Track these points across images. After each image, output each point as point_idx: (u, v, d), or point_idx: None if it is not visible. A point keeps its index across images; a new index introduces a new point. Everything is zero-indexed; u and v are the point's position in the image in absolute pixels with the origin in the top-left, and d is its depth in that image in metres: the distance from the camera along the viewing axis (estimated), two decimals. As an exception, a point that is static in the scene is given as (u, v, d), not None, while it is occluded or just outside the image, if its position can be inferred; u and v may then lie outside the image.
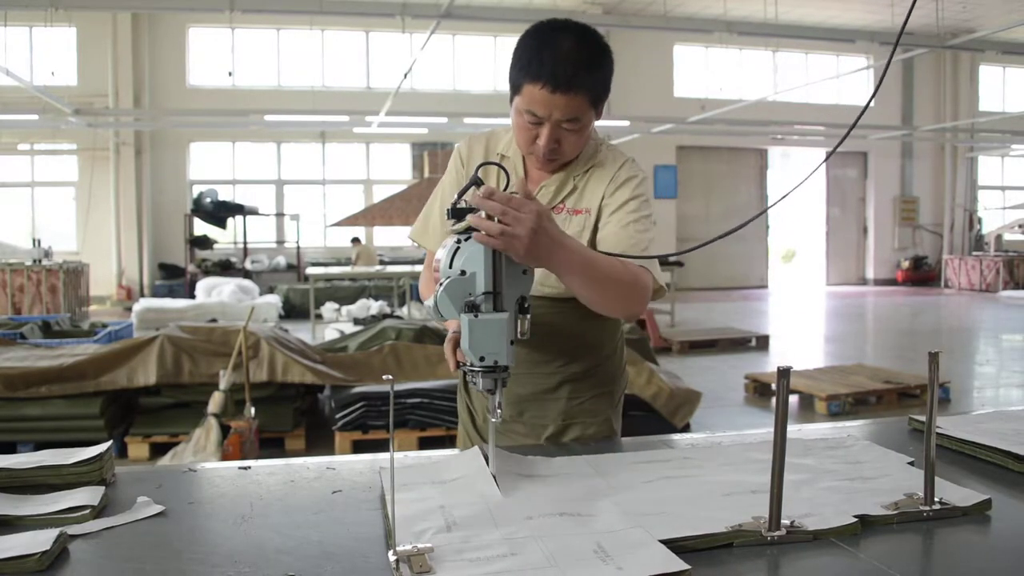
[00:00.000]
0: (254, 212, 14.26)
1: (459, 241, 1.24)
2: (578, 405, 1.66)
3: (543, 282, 1.54)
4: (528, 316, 1.24)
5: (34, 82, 10.97)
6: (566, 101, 1.43)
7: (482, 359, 1.21)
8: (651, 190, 1.69)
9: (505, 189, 1.33)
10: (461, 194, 1.26)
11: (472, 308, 1.21)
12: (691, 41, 15.66)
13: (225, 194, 14.29)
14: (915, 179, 17.76)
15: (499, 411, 1.24)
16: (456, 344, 1.41)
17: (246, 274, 13.74)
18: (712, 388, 6.24)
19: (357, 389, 4.72)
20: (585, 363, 1.65)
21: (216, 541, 1.08)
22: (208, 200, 13.63)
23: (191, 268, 13.61)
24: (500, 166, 1.40)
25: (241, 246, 14.22)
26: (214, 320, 8.71)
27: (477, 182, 1.28)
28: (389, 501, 1.09)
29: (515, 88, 1.48)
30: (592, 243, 1.54)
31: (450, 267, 1.24)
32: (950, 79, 17.30)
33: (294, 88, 14.30)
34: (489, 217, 1.19)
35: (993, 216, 18.30)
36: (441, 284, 1.22)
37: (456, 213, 1.24)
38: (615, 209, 1.53)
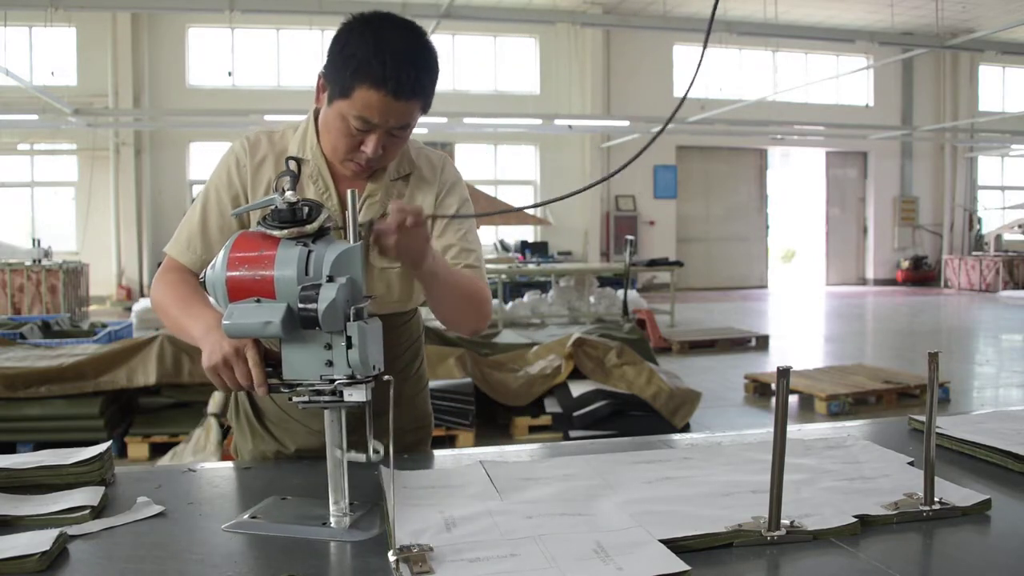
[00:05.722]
0: (254, 212, 14.22)
1: (305, 244, 1.07)
2: None
3: None
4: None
5: (34, 82, 10.97)
6: (405, 108, 1.32)
7: (374, 367, 1.08)
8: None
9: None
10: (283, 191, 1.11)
11: (359, 315, 1.05)
12: (691, 41, 15.62)
13: (225, 194, 14.27)
14: (915, 179, 17.74)
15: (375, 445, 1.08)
16: (263, 357, 1.17)
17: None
18: (712, 388, 6.24)
19: (357, 389, 4.71)
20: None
21: (216, 541, 1.08)
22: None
23: (191, 268, 13.61)
24: (296, 167, 1.21)
25: (241, 246, 14.21)
26: (214, 320, 8.70)
27: (293, 176, 1.15)
28: (389, 501, 1.09)
29: (344, 91, 1.31)
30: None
31: (307, 274, 1.05)
32: (950, 79, 17.28)
33: (294, 88, 14.27)
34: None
35: (993, 216, 18.29)
36: (315, 292, 1.03)
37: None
38: (449, 217, 1.49)
